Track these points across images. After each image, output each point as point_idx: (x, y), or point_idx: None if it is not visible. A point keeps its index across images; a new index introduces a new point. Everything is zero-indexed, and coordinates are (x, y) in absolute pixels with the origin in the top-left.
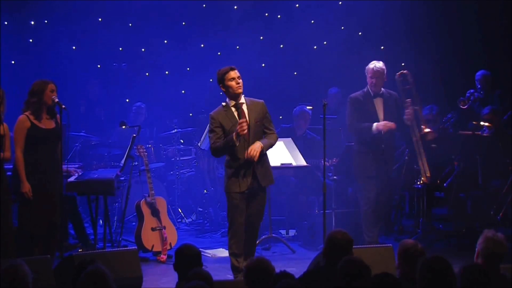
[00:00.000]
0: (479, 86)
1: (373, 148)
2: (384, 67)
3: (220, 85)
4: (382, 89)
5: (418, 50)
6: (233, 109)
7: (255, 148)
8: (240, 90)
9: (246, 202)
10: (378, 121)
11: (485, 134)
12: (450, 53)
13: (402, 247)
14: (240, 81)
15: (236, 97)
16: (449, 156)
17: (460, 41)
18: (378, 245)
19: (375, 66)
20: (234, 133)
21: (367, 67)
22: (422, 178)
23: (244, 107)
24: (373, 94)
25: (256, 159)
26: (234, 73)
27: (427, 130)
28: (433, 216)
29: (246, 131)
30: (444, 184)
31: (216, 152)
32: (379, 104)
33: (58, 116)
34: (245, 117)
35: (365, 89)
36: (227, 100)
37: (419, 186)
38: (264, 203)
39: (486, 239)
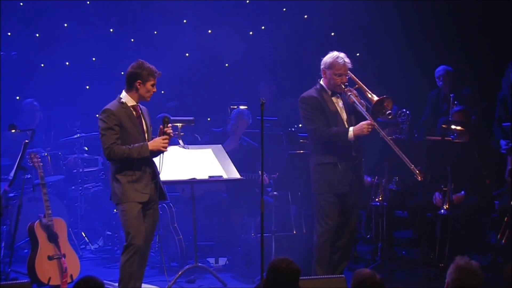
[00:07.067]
0: (440, 84)
1: (343, 158)
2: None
3: (138, 81)
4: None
5: (371, 39)
6: (132, 109)
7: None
8: (149, 100)
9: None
10: (343, 125)
11: (456, 140)
12: (411, 47)
13: (357, 278)
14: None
15: (141, 101)
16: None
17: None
18: (329, 276)
19: (344, 61)
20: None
21: (330, 61)
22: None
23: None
24: (331, 92)
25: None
26: (155, 80)
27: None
28: (395, 241)
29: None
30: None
31: (118, 156)
32: (339, 105)
33: None
34: (144, 120)
35: (318, 86)
36: (125, 96)
37: (377, 203)
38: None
39: (457, 268)
